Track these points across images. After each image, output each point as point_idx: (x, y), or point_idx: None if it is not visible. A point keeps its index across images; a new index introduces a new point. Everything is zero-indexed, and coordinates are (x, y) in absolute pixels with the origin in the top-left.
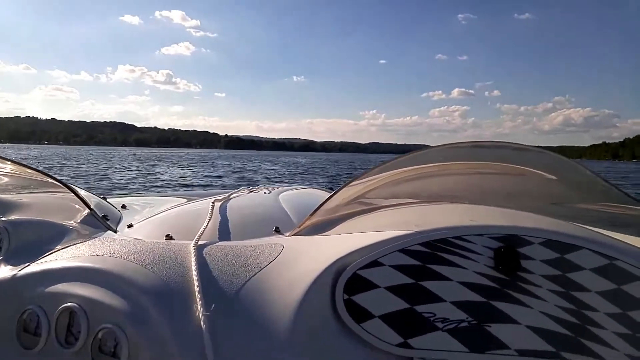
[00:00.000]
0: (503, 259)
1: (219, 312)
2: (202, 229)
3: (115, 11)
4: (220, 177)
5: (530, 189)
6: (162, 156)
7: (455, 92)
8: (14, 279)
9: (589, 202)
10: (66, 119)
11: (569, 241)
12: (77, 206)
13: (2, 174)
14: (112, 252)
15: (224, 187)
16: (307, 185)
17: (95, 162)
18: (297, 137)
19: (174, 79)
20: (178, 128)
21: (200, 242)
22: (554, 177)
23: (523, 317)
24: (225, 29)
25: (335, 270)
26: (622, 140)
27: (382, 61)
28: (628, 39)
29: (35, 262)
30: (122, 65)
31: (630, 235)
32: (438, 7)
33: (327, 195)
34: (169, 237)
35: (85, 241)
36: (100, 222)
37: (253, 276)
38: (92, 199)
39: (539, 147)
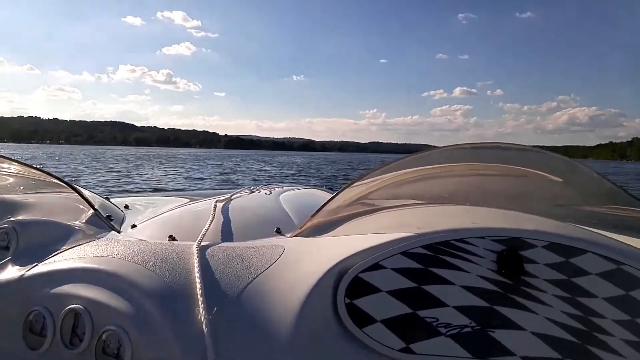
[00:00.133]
0: (506, 263)
1: (220, 314)
2: (204, 230)
3: (118, 12)
4: (202, 179)
5: (534, 190)
6: (154, 155)
7: (457, 91)
8: (21, 279)
9: (594, 205)
10: (68, 119)
11: (573, 244)
12: (81, 207)
13: (8, 175)
14: (116, 253)
15: (204, 190)
16: (305, 186)
17: (78, 162)
18: (297, 137)
19: (174, 79)
20: (178, 127)
21: (202, 244)
22: (558, 179)
23: (528, 323)
24: (226, 30)
25: (337, 272)
26: (629, 139)
27: (382, 60)
28: (634, 37)
29: (42, 263)
30: (123, 65)
31: (637, 238)
32: (438, 7)
33: (328, 195)
34: (171, 238)
35: (90, 242)
36: (105, 223)
37: (255, 278)
38: (96, 199)
39: (542, 147)
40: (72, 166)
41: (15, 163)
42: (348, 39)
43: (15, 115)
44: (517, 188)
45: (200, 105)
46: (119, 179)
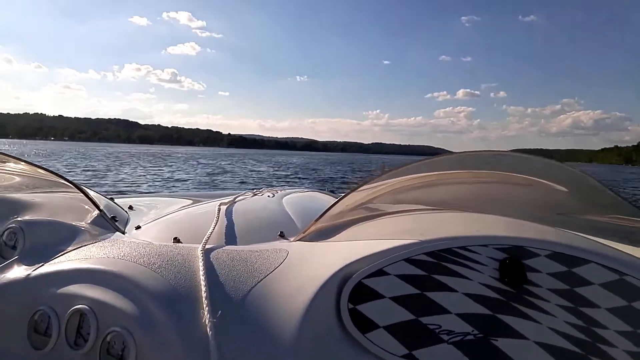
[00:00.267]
0: (508, 271)
1: (224, 318)
2: (209, 233)
3: (125, 13)
4: (184, 181)
5: (537, 199)
6: (149, 154)
7: (460, 93)
8: (27, 279)
9: (597, 214)
10: (73, 116)
11: (576, 254)
12: (87, 207)
13: (15, 174)
14: (122, 254)
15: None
16: (308, 188)
17: (64, 159)
18: (300, 137)
19: (178, 78)
20: (181, 126)
21: (207, 246)
22: (561, 188)
23: (531, 332)
24: (230, 30)
25: (340, 278)
26: (635, 144)
27: (385, 62)
28: (639, 39)
29: (48, 263)
30: (128, 64)
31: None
32: (441, 9)
33: (330, 198)
34: (176, 240)
35: (95, 242)
36: (110, 224)
37: (259, 282)
38: (101, 200)
39: (546, 150)
40: (51, 163)
41: (22, 162)
42: (351, 40)
43: (21, 112)
44: (521, 196)
45: (205, 105)
46: (89, 180)
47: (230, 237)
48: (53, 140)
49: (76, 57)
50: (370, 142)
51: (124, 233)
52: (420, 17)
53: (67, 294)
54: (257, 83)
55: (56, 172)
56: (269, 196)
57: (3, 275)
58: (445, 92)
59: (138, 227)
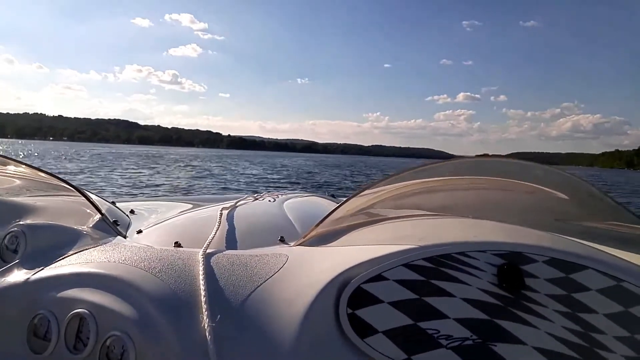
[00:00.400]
0: (506, 277)
1: (224, 322)
2: (210, 237)
3: (127, 14)
4: (156, 186)
5: (536, 205)
6: (138, 154)
7: (460, 96)
8: (27, 282)
9: (595, 221)
10: (72, 116)
11: (574, 260)
12: (88, 211)
13: (17, 177)
14: (122, 259)
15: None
16: (308, 193)
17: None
18: (300, 139)
19: (179, 79)
20: (182, 127)
21: (208, 251)
22: (560, 194)
23: (529, 338)
24: (232, 32)
25: (339, 283)
26: (636, 148)
27: (386, 65)
28: (639, 45)
29: (49, 267)
30: (129, 65)
31: (638, 255)
32: (442, 14)
33: (330, 203)
34: (177, 244)
35: (96, 247)
36: (111, 228)
37: (258, 287)
38: (103, 204)
39: (546, 153)
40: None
41: (23, 166)
42: (353, 43)
43: (21, 112)
44: (520, 203)
45: (205, 106)
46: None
47: (231, 241)
48: (52, 140)
49: (77, 57)
50: (370, 145)
51: (125, 237)
52: (421, 21)
53: (67, 298)
54: (258, 85)
55: (58, 175)
56: (269, 201)
57: (3, 279)
58: (445, 95)
59: (139, 232)
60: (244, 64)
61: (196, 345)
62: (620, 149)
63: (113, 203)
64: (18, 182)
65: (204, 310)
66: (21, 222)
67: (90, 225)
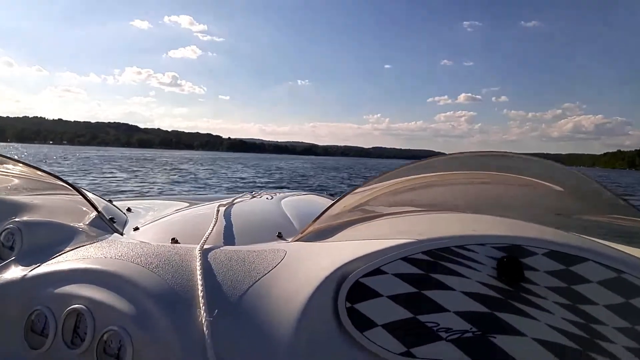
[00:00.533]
0: (506, 270)
1: (221, 317)
2: (207, 233)
3: (126, 17)
4: (122, 192)
5: (535, 199)
6: (127, 158)
7: (461, 97)
8: (24, 279)
9: (594, 214)
10: (72, 120)
11: (573, 252)
12: (85, 209)
13: (14, 176)
14: (119, 254)
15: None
16: (306, 192)
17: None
18: (300, 141)
19: (179, 81)
20: (182, 130)
21: (205, 247)
22: (559, 188)
23: (529, 329)
24: (231, 34)
25: (338, 277)
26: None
27: (387, 66)
28: None
29: (46, 263)
30: (129, 68)
31: (637, 247)
32: (443, 14)
33: (328, 201)
34: (174, 241)
35: (93, 243)
36: (108, 225)
37: (256, 282)
38: (99, 201)
39: (547, 154)
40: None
41: (20, 164)
42: (353, 44)
43: (21, 115)
44: (518, 197)
45: (205, 108)
46: None
47: (229, 237)
48: (52, 144)
49: (77, 60)
50: (370, 146)
51: (122, 234)
52: (421, 22)
53: (64, 294)
54: (258, 87)
55: (55, 174)
56: (267, 198)
57: (0, 275)
58: (446, 97)
59: (136, 229)
60: (243, 65)
61: (194, 340)
62: (622, 150)
63: (110, 201)
64: (15, 180)
65: (201, 305)
66: (17, 219)
67: (87, 223)
